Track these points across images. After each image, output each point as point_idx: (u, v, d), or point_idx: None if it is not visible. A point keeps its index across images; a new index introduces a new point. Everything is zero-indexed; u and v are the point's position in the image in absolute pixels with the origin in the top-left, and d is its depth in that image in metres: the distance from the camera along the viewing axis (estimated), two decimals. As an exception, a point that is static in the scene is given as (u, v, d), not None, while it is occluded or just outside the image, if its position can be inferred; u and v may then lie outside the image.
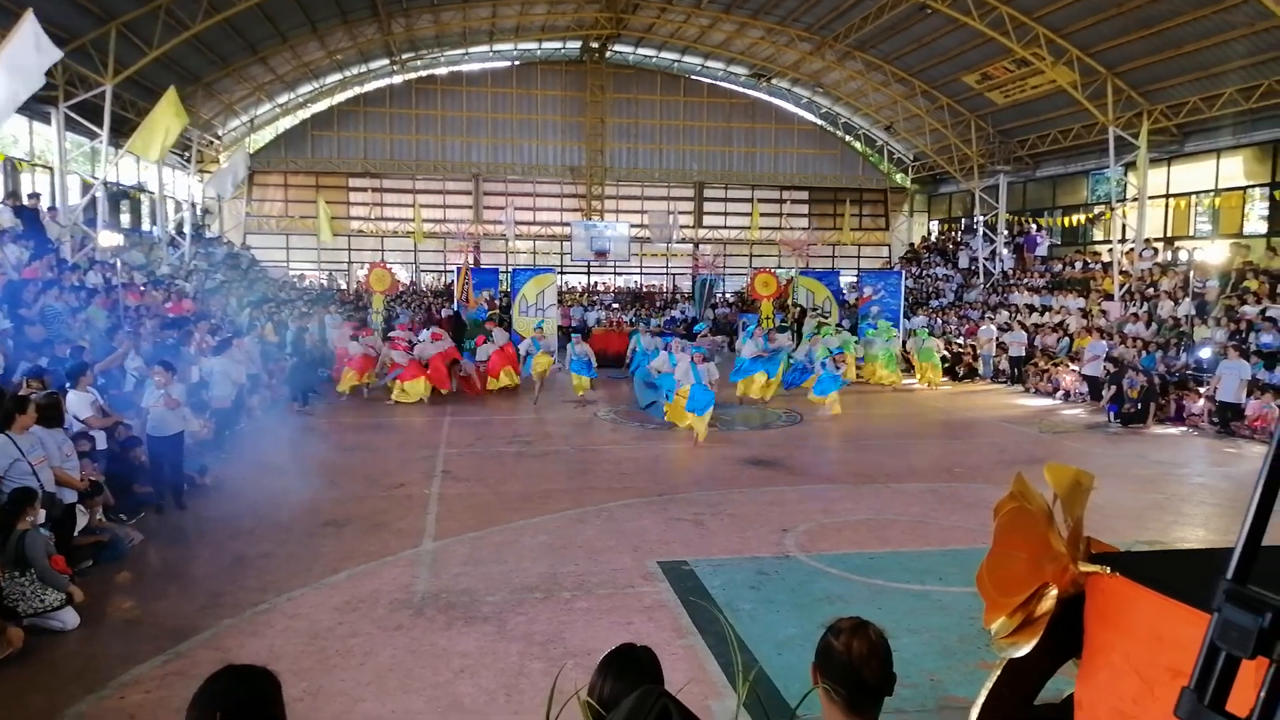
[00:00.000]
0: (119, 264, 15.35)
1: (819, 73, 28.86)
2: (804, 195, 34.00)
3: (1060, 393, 17.99)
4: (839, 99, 30.83)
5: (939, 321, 24.36)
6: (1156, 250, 21.67)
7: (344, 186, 31.44)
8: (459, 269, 23.22)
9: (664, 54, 31.25)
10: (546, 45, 30.46)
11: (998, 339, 20.95)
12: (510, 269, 25.70)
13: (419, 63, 29.84)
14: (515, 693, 4.84)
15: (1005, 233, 27.05)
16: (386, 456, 11.45)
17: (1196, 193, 21.95)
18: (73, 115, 17.60)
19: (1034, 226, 27.08)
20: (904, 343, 21.85)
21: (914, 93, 26.82)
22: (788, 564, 7.12)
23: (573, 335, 17.56)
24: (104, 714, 4.63)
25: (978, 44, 22.09)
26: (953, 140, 27.27)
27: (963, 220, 30.94)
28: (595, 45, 29.88)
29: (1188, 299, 18.29)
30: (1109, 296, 20.64)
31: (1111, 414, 15.15)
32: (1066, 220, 26.48)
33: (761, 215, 30.72)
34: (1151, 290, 19.95)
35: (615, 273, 33.47)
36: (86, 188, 18.22)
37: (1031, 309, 22.68)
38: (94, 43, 17.19)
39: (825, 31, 25.38)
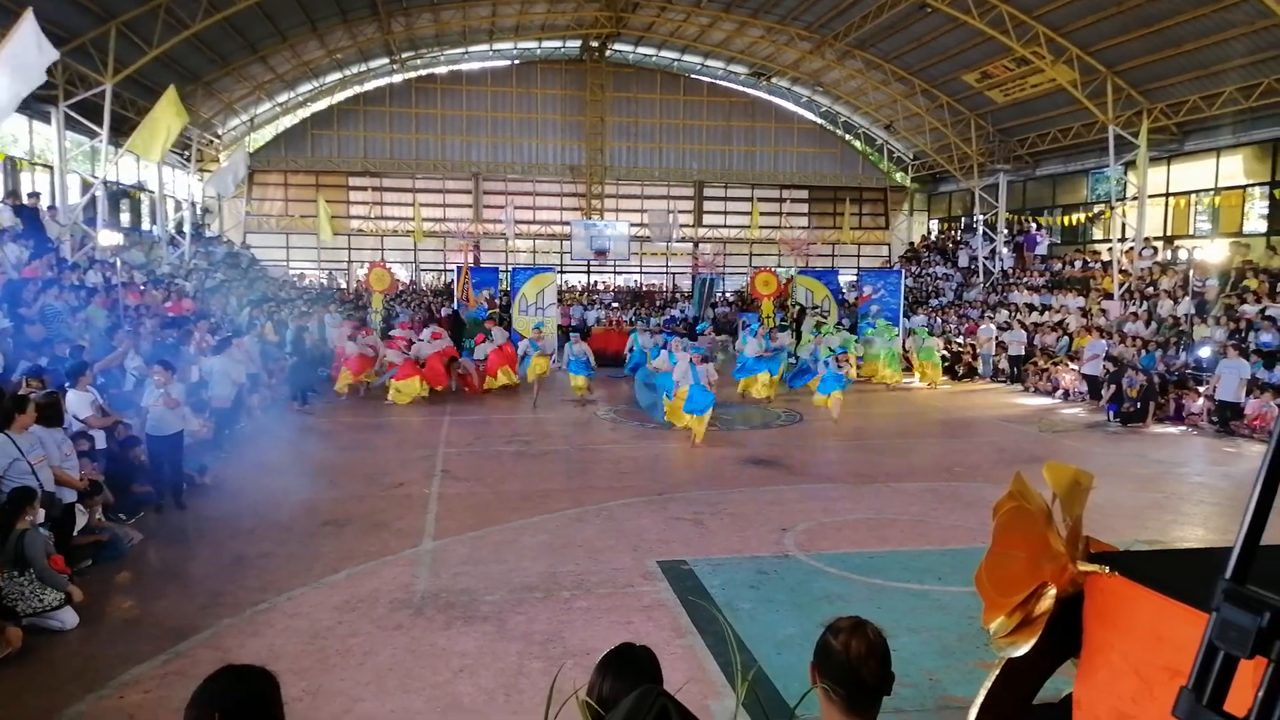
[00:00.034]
0: (119, 263, 15.36)
1: (819, 71, 28.85)
2: (804, 194, 34.00)
3: (1060, 392, 17.99)
4: (839, 98, 30.82)
5: (938, 321, 24.36)
6: (1156, 249, 21.67)
7: (344, 185, 31.43)
8: (459, 268, 23.22)
9: (664, 53, 31.24)
10: (546, 44, 30.45)
11: (997, 338, 20.95)
12: (510, 268, 25.70)
13: (419, 62, 29.83)
14: (514, 692, 4.84)
15: (1005, 232, 27.05)
16: (386, 456, 11.45)
17: (1196, 191, 21.95)
18: (73, 114, 17.59)
19: (1034, 225, 27.08)
20: (903, 342, 21.84)
21: (914, 91, 26.81)
22: (787, 563, 7.12)
23: (571, 334, 17.54)
24: (103, 714, 4.63)
25: (977, 42, 22.09)
26: (952, 139, 27.26)
27: (962, 219, 30.95)
28: (595, 44, 29.87)
29: (1187, 298, 18.29)
30: (1108, 295, 20.64)
31: (1111, 413, 15.15)
32: (1066, 219, 26.47)
33: (761, 214, 30.71)
34: (1151, 289, 19.95)
35: (615, 272, 33.47)
36: (86, 187, 18.22)
37: (1031, 308, 22.68)
38: (94, 42, 17.18)
39: (825, 30, 25.37)
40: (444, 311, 23.31)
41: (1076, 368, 17.84)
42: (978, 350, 21.32)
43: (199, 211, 26.36)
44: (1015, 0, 19.56)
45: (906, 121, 29.11)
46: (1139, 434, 14.15)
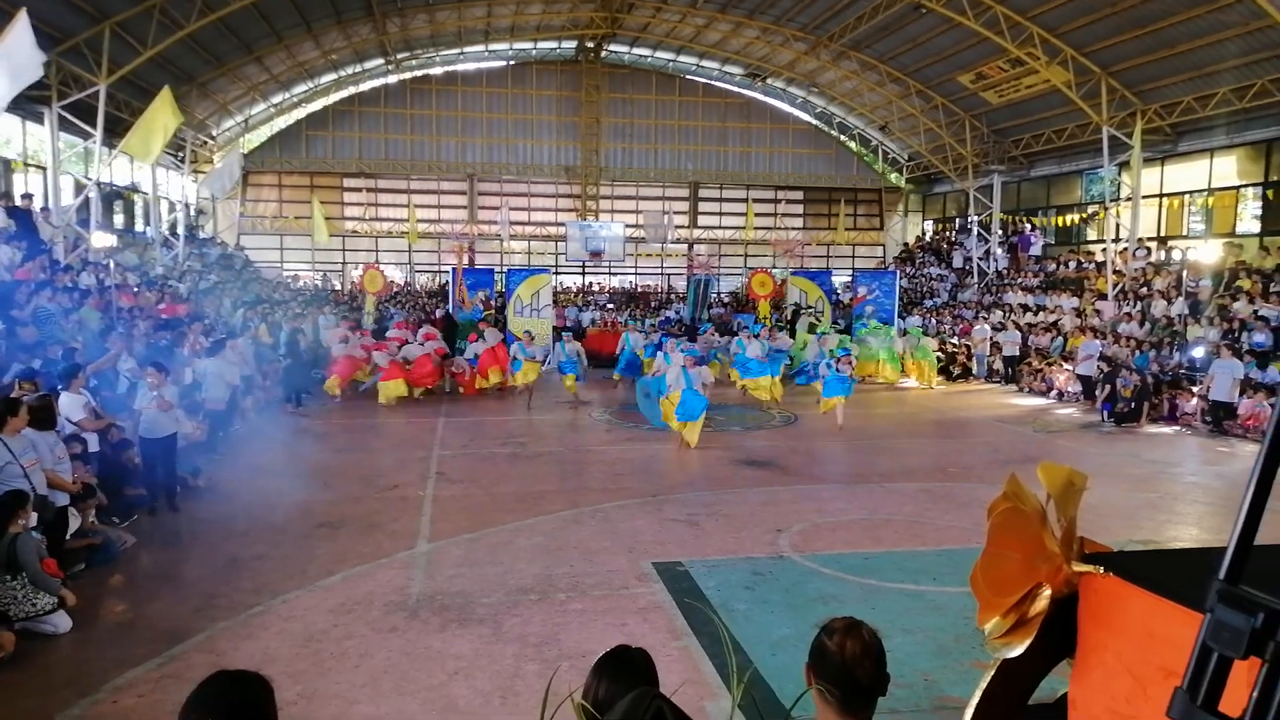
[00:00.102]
0: (112, 265, 15.30)
1: (814, 72, 28.89)
2: (799, 195, 34.03)
3: (1054, 392, 18.04)
4: (834, 99, 30.85)
5: (933, 321, 24.40)
6: (1150, 250, 21.74)
7: (338, 187, 31.37)
8: (453, 271, 23.20)
9: (659, 54, 31.24)
10: (542, 45, 30.43)
11: (992, 338, 21.00)
12: (505, 269, 25.68)
13: (414, 62, 29.78)
14: (510, 695, 4.84)
15: (999, 232, 27.12)
16: (380, 458, 11.43)
17: (1190, 192, 22.02)
18: (66, 115, 17.52)
19: (1028, 226, 27.14)
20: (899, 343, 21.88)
21: (909, 92, 26.85)
22: (782, 564, 7.12)
23: (564, 334, 17.52)
24: (97, 718, 4.61)
25: (972, 44, 22.14)
26: (947, 140, 27.31)
27: (957, 220, 31.01)
28: (590, 45, 29.87)
29: (1181, 298, 18.36)
30: (1103, 296, 20.71)
31: (1105, 413, 15.19)
32: (1060, 220, 26.53)
33: (756, 215, 30.70)
34: (1145, 290, 20.01)
35: (610, 273, 33.45)
36: (80, 188, 18.17)
37: (1025, 308, 22.73)
38: (88, 42, 17.11)
39: (820, 31, 25.41)
40: (438, 313, 23.30)
41: (1071, 368, 17.89)
42: (972, 351, 21.37)
43: (193, 213, 26.29)
44: (1010, 1, 19.61)
45: (901, 122, 29.16)
46: (1133, 434, 14.19)
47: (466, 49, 29.64)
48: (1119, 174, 21.65)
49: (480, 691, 4.88)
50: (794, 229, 33.25)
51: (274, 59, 24.82)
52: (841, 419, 13.78)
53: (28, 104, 16.84)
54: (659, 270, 34.16)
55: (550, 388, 17.63)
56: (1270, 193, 19.86)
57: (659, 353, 15.12)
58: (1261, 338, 15.43)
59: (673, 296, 31.68)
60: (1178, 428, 14.71)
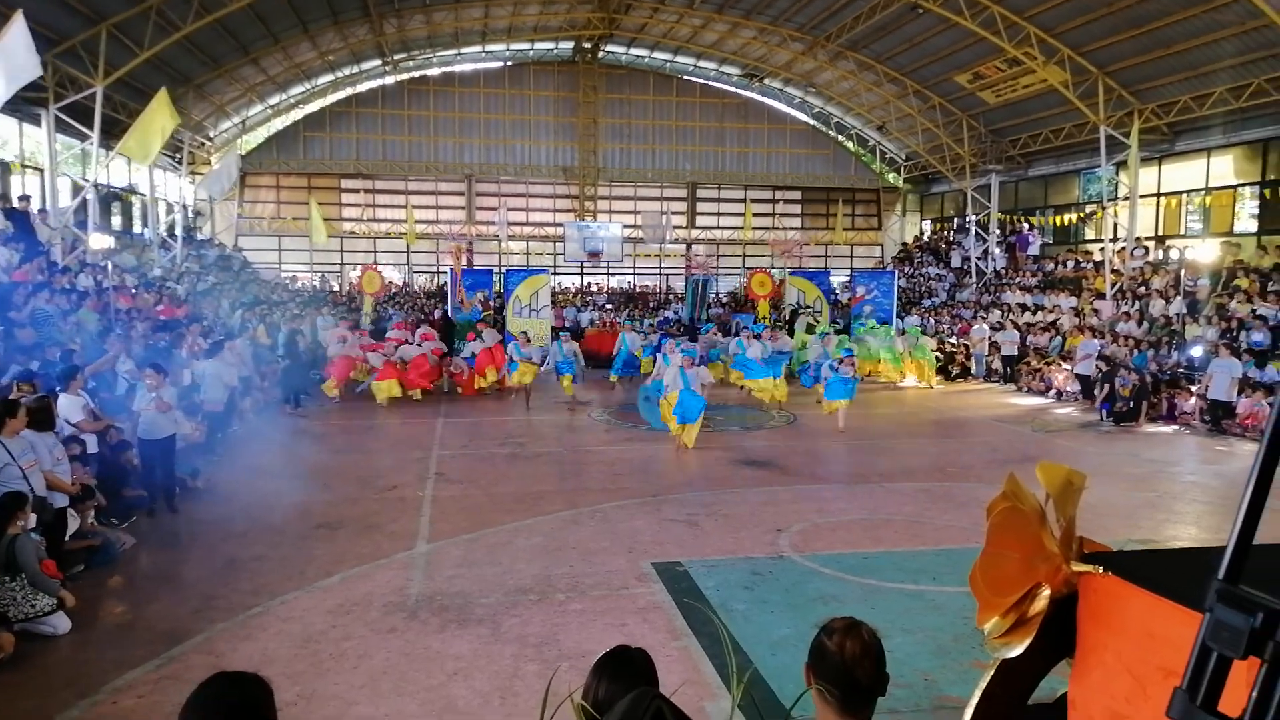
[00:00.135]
0: (110, 266, 15.28)
1: (811, 73, 28.90)
2: (797, 195, 34.04)
3: (1053, 391, 18.05)
4: (831, 99, 30.87)
5: (932, 321, 24.41)
6: (1148, 249, 21.76)
7: (336, 188, 31.35)
8: (451, 272, 23.19)
9: (656, 54, 31.24)
10: (539, 45, 30.43)
11: (990, 338, 21.00)
12: (503, 270, 25.67)
13: (411, 63, 29.77)
14: (509, 695, 4.83)
15: (997, 232, 27.14)
16: (379, 459, 11.43)
17: (1187, 191, 22.04)
18: (63, 117, 17.48)
19: (1026, 226, 27.16)
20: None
21: (906, 92, 26.87)
22: (782, 564, 7.12)
23: (561, 334, 17.51)
24: (96, 719, 4.60)
25: (969, 43, 22.16)
26: (945, 140, 27.33)
27: (955, 220, 31.03)
28: (588, 45, 29.86)
29: (1179, 297, 18.37)
30: (1101, 295, 20.73)
31: (1104, 412, 15.21)
32: (1058, 219, 26.56)
33: (754, 215, 30.67)
34: (1143, 289, 20.03)
35: (608, 273, 33.45)
36: (77, 190, 18.15)
37: (1024, 308, 22.75)
38: (84, 44, 17.08)
39: (817, 31, 25.42)
40: (436, 314, 23.30)
41: (1069, 367, 17.90)
42: (971, 350, 21.39)
43: (190, 214, 26.28)
44: (1007, 1, 19.63)
45: (899, 122, 29.18)
46: (1132, 433, 14.20)
47: (463, 50, 29.64)
48: (1116, 173, 21.68)
49: (479, 692, 4.88)
50: (792, 229, 33.25)
51: (271, 60, 24.80)
52: (843, 422, 13.78)
53: (25, 106, 16.81)
54: (657, 271, 34.16)
55: (549, 388, 17.63)
56: (1267, 192, 19.88)
57: (658, 354, 15.11)
58: (1259, 336, 15.44)
59: (671, 297, 31.68)
60: (1176, 427, 14.72)
